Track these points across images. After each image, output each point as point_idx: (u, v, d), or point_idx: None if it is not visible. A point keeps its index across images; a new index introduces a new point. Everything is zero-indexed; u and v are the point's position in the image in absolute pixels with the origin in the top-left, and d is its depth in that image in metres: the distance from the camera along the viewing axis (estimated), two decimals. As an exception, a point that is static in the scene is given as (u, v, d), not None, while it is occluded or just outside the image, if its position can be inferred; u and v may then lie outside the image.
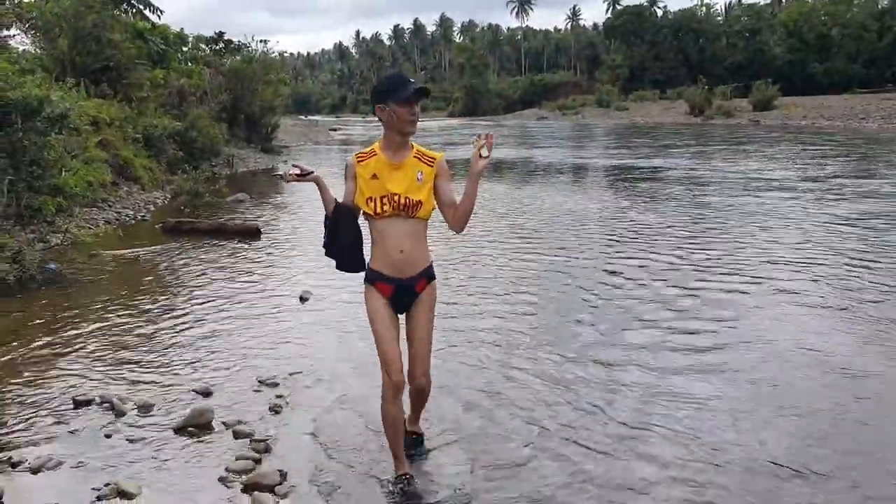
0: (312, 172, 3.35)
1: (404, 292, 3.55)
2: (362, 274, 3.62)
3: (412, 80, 3.40)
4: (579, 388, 4.89)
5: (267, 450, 4.10)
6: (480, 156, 3.39)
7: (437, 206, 3.55)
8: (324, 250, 3.69)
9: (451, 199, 3.54)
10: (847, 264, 8.03)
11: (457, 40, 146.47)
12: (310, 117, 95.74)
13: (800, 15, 74.34)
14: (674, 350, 5.58)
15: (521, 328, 6.21)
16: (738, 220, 11.22)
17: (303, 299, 7.27)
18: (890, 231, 9.97)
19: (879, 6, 73.32)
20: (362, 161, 3.51)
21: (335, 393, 4.92)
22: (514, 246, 9.75)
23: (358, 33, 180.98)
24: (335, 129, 60.88)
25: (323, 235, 3.66)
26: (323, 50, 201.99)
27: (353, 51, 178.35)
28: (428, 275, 3.59)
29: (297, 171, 3.40)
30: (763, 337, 5.79)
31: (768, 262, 8.31)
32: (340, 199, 3.59)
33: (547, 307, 6.87)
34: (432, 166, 3.51)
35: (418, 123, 3.45)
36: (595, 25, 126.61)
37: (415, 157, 3.51)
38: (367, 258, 3.65)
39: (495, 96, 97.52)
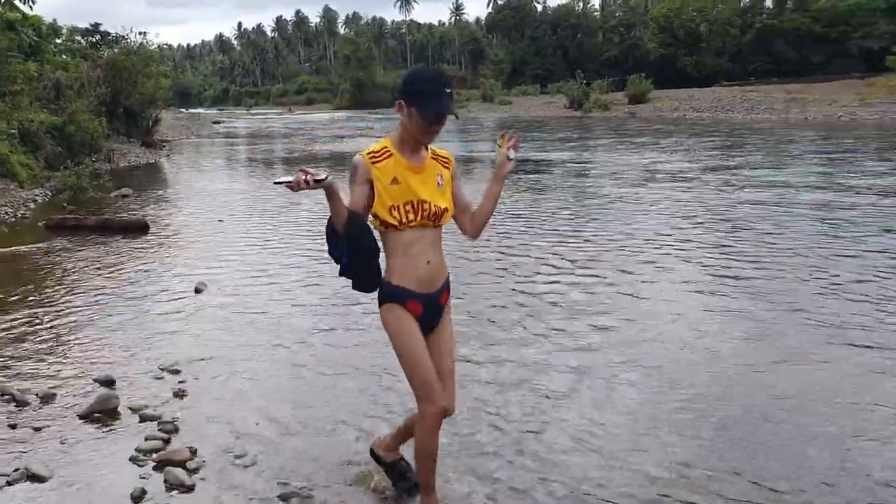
0: (327, 178, 2.73)
1: (433, 308, 3.14)
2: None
3: (448, 91, 2.93)
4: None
5: (175, 430, 4.29)
6: (508, 158, 3.18)
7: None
8: (336, 264, 3.16)
9: (465, 204, 3.22)
10: (731, 252, 8.68)
11: (341, 32, 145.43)
12: (191, 110, 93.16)
13: (670, 10, 77.81)
14: (571, 339, 6.08)
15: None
16: (631, 209, 11.93)
17: (198, 290, 7.38)
18: (763, 218, 10.89)
19: (742, 3, 77.68)
20: (378, 162, 2.99)
21: (236, 376, 5.14)
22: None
23: (240, 24, 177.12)
24: (218, 122, 59.72)
25: (330, 251, 3.12)
26: (203, 41, 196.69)
27: (235, 42, 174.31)
28: (449, 285, 3.24)
29: (312, 178, 2.70)
30: (655, 325, 6.28)
31: (660, 250, 8.86)
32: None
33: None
34: (448, 167, 3.15)
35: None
36: (478, 20, 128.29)
37: (432, 157, 3.11)
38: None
39: (382, 89, 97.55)
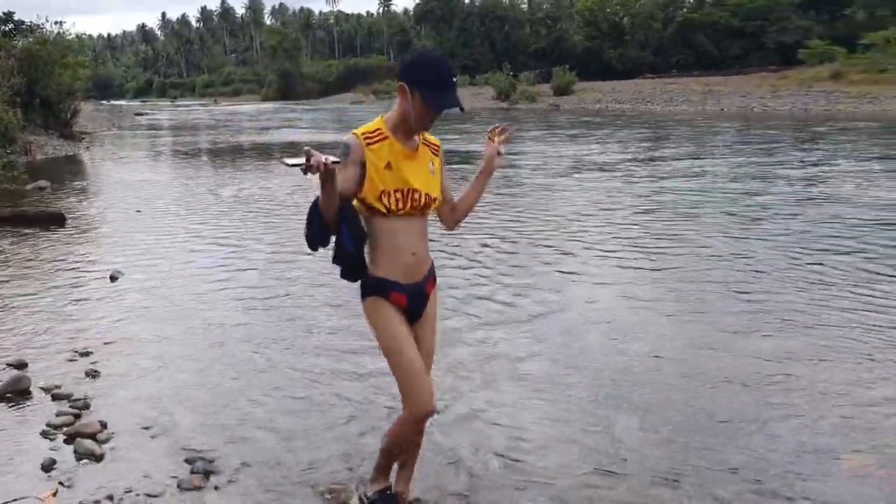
0: (340, 162, 2.59)
1: (418, 299, 2.98)
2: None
3: (454, 79, 2.83)
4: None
5: (86, 407, 4.45)
6: (498, 152, 3.07)
7: None
8: (308, 244, 2.90)
9: (448, 193, 3.09)
10: (657, 237, 9.01)
11: (267, 23, 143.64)
12: (113, 102, 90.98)
13: (595, 4, 79.20)
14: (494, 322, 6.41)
15: (324, 312, 6.83)
16: (561, 197, 12.28)
17: (113, 278, 7.48)
18: (688, 205, 11.43)
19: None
20: (372, 143, 2.81)
21: (149, 358, 5.30)
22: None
23: (164, 14, 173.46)
24: (141, 114, 58.58)
25: (310, 233, 2.85)
26: (125, 31, 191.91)
27: (159, 33, 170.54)
28: (434, 273, 3.09)
29: (329, 160, 2.49)
30: (581, 306, 6.56)
31: (590, 235, 9.24)
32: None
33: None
34: (438, 155, 3.00)
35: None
36: (406, 11, 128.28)
37: (423, 143, 2.95)
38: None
39: (309, 80, 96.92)
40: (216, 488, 3.54)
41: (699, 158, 17.39)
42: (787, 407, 4.31)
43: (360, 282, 2.97)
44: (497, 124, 3.11)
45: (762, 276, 7.13)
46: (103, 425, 4.18)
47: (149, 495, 3.48)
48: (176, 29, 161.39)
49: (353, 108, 60.33)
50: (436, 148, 3.00)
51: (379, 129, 2.84)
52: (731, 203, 11.18)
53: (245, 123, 42.00)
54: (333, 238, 2.88)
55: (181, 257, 8.45)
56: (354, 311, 6.17)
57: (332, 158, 2.50)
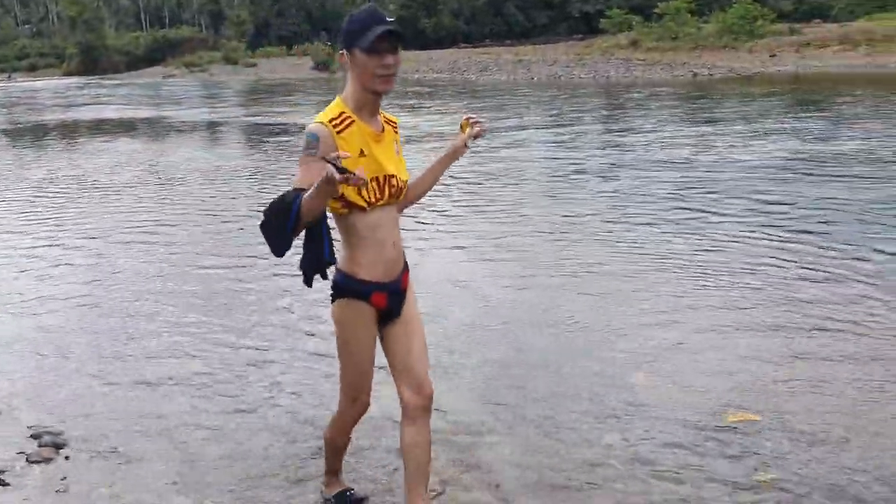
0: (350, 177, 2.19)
1: (396, 297, 2.76)
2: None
3: (388, 20, 2.54)
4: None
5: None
6: (466, 144, 2.88)
7: None
8: (275, 250, 2.61)
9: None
10: (481, 204, 9.61)
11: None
12: None
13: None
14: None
15: (171, 287, 6.99)
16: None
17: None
18: (509, 173, 12.14)
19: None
20: (342, 130, 2.54)
21: (20, 345, 5.36)
22: (158, 202, 10.28)
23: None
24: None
25: (280, 239, 2.54)
26: None
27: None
28: (407, 265, 2.85)
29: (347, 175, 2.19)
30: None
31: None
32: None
33: (218, 269, 7.44)
34: (398, 132, 2.79)
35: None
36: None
37: (385, 122, 2.71)
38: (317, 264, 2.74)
39: (116, 53, 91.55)
40: (67, 458, 3.79)
41: (524, 129, 17.79)
42: (590, 342, 5.08)
43: (331, 282, 2.76)
44: (472, 115, 2.91)
45: (576, 234, 7.94)
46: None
47: (-3, 471, 3.67)
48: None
49: (167, 82, 57.77)
50: (395, 125, 2.78)
51: (342, 111, 2.57)
52: (554, 171, 11.92)
53: (48, 101, 39.37)
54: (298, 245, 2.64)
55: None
56: (185, 284, 6.44)
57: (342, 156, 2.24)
